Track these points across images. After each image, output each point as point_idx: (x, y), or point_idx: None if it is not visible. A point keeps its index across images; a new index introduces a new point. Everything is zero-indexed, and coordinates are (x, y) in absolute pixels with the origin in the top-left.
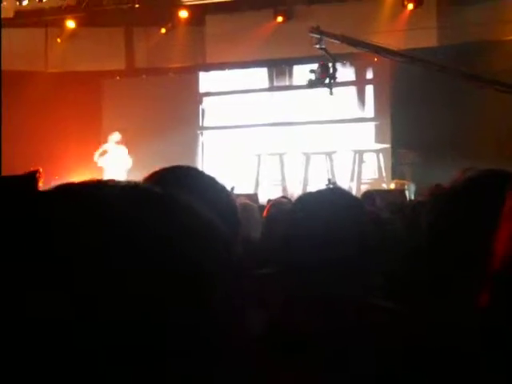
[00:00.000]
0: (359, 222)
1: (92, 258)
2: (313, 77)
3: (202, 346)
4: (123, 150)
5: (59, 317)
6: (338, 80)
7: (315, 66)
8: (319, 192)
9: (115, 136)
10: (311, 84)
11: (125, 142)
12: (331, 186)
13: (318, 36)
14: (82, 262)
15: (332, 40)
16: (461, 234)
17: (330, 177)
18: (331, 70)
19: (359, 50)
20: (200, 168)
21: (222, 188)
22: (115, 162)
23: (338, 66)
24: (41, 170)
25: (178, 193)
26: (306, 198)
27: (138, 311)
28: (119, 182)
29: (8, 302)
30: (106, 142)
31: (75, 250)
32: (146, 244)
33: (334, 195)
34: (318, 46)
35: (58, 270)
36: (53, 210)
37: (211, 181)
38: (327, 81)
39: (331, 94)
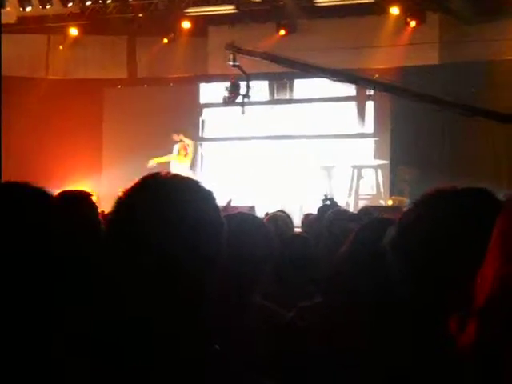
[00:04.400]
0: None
1: None
2: (226, 94)
3: None
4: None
5: None
6: (339, 95)
7: (315, 81)
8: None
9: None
10: (225, 101)
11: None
12: (328, 202)
13: (233, 52)
14: None
15: (253, 58)
16: (443, 266)
17: (328, 192)
18: (245, 89)
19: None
20: (198, 179)
21: (205, 192)
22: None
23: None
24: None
25: None
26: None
27: None
28: None
29: None
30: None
31: None
32: None
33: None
34: (231, 63)
35: None
36: None
37: (194, 186)
38: (240, 99)
39: (243, 113)
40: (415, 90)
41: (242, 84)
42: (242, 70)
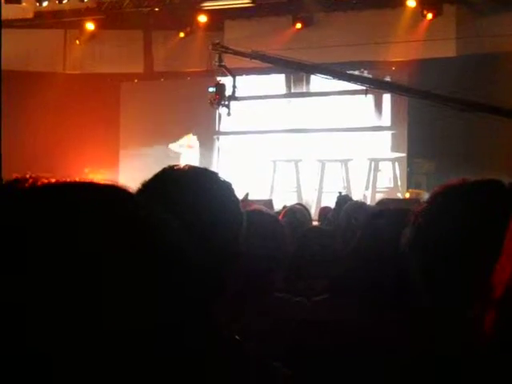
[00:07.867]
0: None
1: None
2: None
3: None
4: (194, 152)
5: None
6: (355, 88)
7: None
8: None
9: (185, 139)
10: (211, 103)
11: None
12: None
13: (220, 52)
14: None
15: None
16: (460, 262)
17: (345, 185)
18: (232, 89)
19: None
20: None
21: (224, 184)
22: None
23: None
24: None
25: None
26: None
27: None
28: None
29: None
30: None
31: None
32: None
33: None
34: (217, 63)
35: None
36: None
37: (212, 178)
38: (227, 95)
39: (229, 115)
40: (416, 88)
41: (228, 85)
42: (227, 69)
